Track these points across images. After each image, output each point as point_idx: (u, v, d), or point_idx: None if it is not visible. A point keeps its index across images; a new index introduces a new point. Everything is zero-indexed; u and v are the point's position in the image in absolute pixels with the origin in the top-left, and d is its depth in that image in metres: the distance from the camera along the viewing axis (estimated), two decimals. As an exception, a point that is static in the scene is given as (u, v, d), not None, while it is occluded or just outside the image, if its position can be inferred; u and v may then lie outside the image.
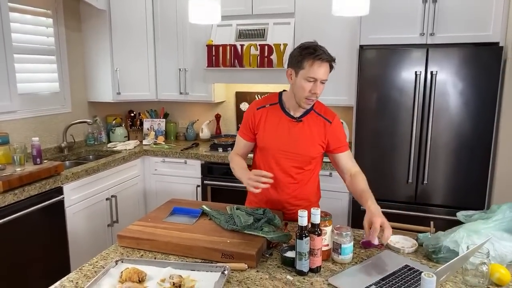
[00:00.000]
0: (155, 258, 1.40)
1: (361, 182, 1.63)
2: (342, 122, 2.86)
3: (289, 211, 1.76)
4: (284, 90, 1.76)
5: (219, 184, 3.11)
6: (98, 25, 3.28)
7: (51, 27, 3.04)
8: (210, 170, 3.13)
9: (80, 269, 1.34)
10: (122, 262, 1.34)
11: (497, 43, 2.45)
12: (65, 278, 1.28)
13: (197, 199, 3.19)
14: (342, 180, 1.77)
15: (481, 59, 2.40)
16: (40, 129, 2.99)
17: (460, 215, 1.51)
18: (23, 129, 2.84)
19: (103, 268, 1.33)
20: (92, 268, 1.34)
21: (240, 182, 2.73)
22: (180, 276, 1.22)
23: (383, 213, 2.72)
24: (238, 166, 1.71)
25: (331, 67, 1.59)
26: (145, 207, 3.36)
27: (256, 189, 1.50)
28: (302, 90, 1.58)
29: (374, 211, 1.42)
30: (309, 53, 1.54)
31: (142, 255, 1.43)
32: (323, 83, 1.57)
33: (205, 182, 3.15)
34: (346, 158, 1.72)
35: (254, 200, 1.85)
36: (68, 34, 3.20)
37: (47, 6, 2.99)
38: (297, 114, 1.70)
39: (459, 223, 1.48)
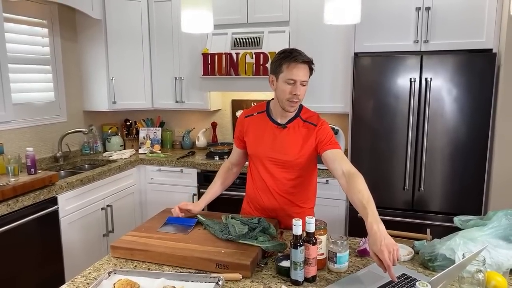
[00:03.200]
0: (148, 269, 1.38)
1: (359, 188, 1.43)
2: (338, 130, 2.89)
3: (283, 219, 1.75)
4: (273, 99, 1.77)
5: (215, 192, 3.09)
6: (93, 35, 3.29)
7: (46, 37, 3.04)
8: (206, 178, 3.12)
9: (72, 281, 1.32)
10: (115, 273, 1.32)
11: (491, 50, 2.46)
12: (57, 290, 1.26)
13: (193, 208, 3.16)
14: (340, 187, 1.74)
15: (475, 66, 2.41)
16: (35, 139, 2.97)
17: (457, 220, 1.50)
18: (17, 139, 2.82)
19: (96, 279, 1.31)
20: (85, 280, 1.32)
21: (237, 191, 2.73)
22: (174, 287, 1.21)
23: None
24: (208, 189, 1.92)
25: (311, 70, 1.62)
26: (141, 216, 3.34)
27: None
28: (283, 93, 1.60)
29: (375, 236, 1.22)
30: (285, 56, 1.58)
31: (135, 266, 1.41)
32: (303, 85, 1.60)
33: (201, 190, 3.13)
34: (336, 155, 1.59)
35: (247, 209, 1.85)
36: (64, 44, 3.21)
37: (42, 16, 2.99)
38: (283, 121, 1.71)
39: (456, 229, 1.47)
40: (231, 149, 1.93)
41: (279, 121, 1.71)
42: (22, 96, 2.85)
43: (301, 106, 1.73)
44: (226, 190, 2.95)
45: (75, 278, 1.33)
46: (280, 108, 1.67)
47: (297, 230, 1.25)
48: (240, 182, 2.90)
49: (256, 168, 1.77)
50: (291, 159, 1.68)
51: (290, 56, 1.58)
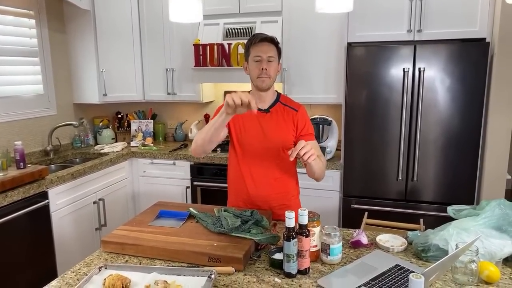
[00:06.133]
0: (140, 264, 1.37)
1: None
2: (331, 121, 2.88)
3: (272, 207, 1.76)
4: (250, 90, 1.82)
5: (208, 185, 3.08)
6: (82, 26, 3.22)
7: (33, 28, 2.97)
8: (199, 171, 3.10)
9: (62, 277, 1.29)
10: (106, 268, 1.30)
11: (484, 39, 2.45)
12: (46, 286, 1.24)
13: (186, 201, 3.15)
14: (309, 177, 1.74)
15: (468, 55, 2.39)
16: (24, 133, 2.92)
17: (450, 209, 1.49)
18: (5, 133, 2.77)
19: (86, 275, 1.29)
20: (75, 275, 1.30)
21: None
22: (166, 281, 1.19)
23: (373, 210, 2.72)
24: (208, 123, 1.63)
25: (278, 49, 1.72)
26: (134, 209, 3.32)
27: (230, 101, 1.40)
28: (254, 72, 1.71)
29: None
30: (250, 40, 1.73)
31: (127, 260, 1.40)
32: (270, 60, 1.68)
33: (194, 183, 3.11)
34: (312, 147, 1.64)
35: (234, 200, 1.84)
36: (52, 35, 3.14)
37: (29, 6, 2.92)
38: (264, 106, 1.76)
39: (449, 219, 1.47)
40: (225, 141, 1.88)
41: (260, 106, 1.75)
42: (9, 89, 2.79)
43: (279, 93, 1.81)
44: (222, 182, 2.95)
45: (65, 274, 1.31)
46: (257, 92, 1.74)
47: (290, 222, 1.23)
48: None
49: (242, 157, 1.76)
50: (276, 141, 1.72)
51: (253, 38, 1.71)
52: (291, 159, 1.47)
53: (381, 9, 2.59)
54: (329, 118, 2.92)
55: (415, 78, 2.49)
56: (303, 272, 1.28)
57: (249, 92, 1.82)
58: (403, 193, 2.64)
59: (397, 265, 1.30)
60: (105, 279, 1.20)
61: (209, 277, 1.22)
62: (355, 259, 1.38)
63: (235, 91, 1.46)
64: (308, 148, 1.47)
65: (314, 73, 2.98)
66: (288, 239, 1.23)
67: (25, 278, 2.28)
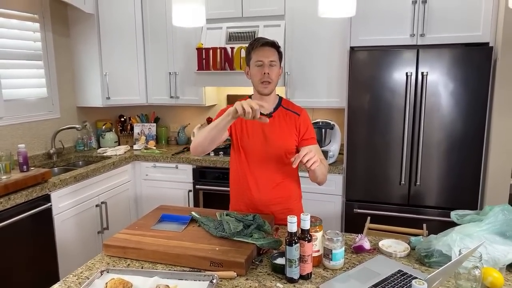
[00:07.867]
0: (142, 268, 1.36)
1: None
2: (333, 124, 2.88)
3: (274, 211, 1.75)
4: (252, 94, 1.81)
5: (211, 188, 3.08)
6: (86, 29, 3.24)
7: (38, 32, 2.99)
8: (202, 174, 3.10)
9: (64, 280, 1.29)
10: (107, 272, 1.30)
11: (487, 43, 2.44)
12: (48, 290, 1.24)
13: (189, 204, 3.15)
14: (316, 182, 1.73)
15: (471, 60, 2.39)
16: (28, 136, 2.93)
17: (454, 214, 1.49)
18: (9, 136, 2.78)
19: (88, 279, 1.29)
20: (77, 279, 1.30)
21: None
22: (167, 286, 1.19)
23: (375, 215, 2.71)
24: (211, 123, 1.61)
25: (279, 53, 1.73)
26: (136, 213, 3.32)
27: (240, 109, 1.41)
28: (255, 77, 1.70)
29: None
30: (251, 44, 1.73)
31: (128, 264, 1.39)
32: (272, 65, 1.68)
33: (197, 186, 3.11)
34: (315, 151, 1.64)
35: (236, 204, 1.83)
36: (56, 39, 3.16)
37: (33, 10, 2.94)
38: (267, 111, 1.73)
39: (452, 224, 1.46)
40: (227, 144, 1.90)
41: (262, 111, 1.72)
42: (13, 92, 2.81)
43: (281, 97, 1.81)
44: (224, 186, 2.94)
45: (67, 278, 1.31)
46: (259, 96, 1.74)
47: (292, 227, 1.23)
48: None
49: (245, 161, 1.76)
50: (280, 145, 1.72)
51: (254, 42, 1.71)
52: (294, 166, 1.47)
53: (384, 13, 2.59)
54: (332, 122, 2.92)
55: (418, 82, 2.48)
56: (305, 277, 1.27)
57: (250, 96, 1.82)
58: (406, 197, 2.63)
59: (399, 271, 1.30)
60: (106, 283, 1.20)
61: (211, 281, 1.22)
62: (357, 264, 1.37)
63: (244, 100, 1.44)
64: (311, 155, 1.47)
65: (316, 77, 2.98)
66: (290, 244, 1.23)
67: (27, 281, 2.28)
